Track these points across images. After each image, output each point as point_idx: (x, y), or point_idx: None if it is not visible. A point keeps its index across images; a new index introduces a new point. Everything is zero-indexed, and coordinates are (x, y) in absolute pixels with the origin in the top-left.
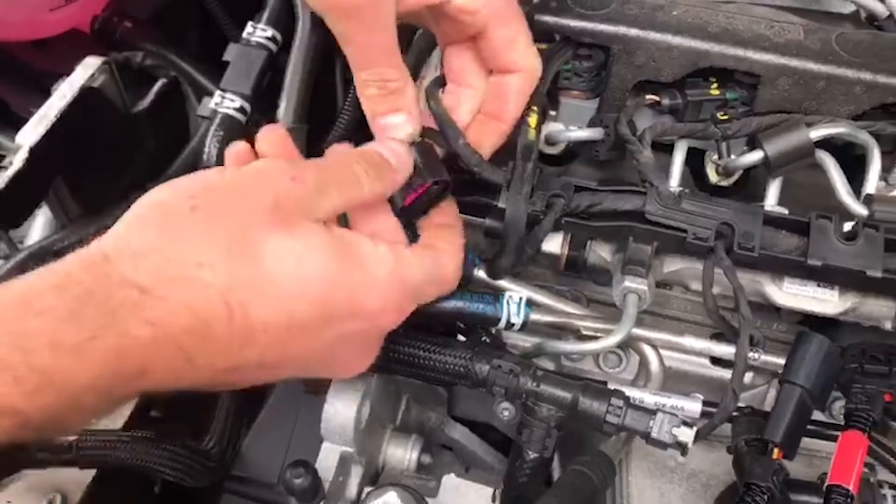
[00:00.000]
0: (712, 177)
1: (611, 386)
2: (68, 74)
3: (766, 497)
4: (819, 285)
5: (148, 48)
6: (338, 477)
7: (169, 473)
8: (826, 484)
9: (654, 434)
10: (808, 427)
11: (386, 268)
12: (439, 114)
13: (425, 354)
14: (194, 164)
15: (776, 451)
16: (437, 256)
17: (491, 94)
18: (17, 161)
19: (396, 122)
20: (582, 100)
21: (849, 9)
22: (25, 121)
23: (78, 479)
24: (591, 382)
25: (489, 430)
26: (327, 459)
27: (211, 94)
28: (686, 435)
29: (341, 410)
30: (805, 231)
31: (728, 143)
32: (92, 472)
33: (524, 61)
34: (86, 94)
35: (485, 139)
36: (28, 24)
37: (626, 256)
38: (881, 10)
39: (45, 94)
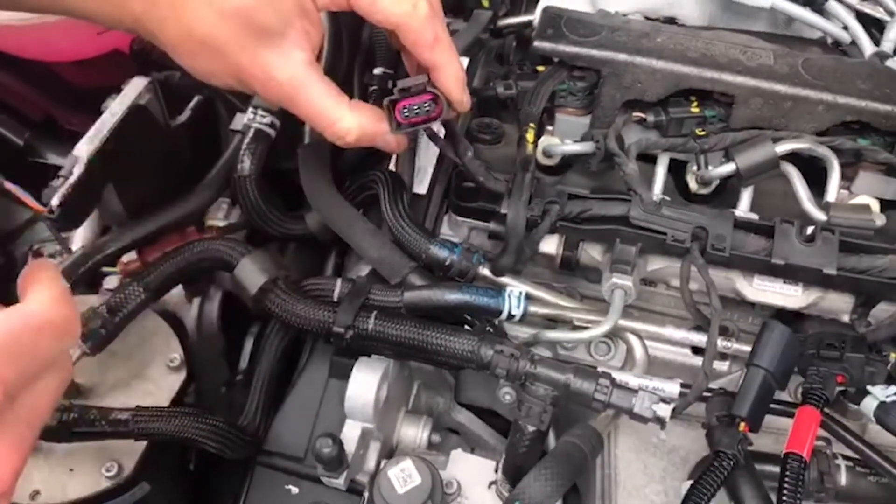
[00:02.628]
0: (692, 186)
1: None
2: (108, 90)
3: (731, 462)
4: (785, 282)
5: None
6: (359, 450)
7: (211, 446)
8: (783, 452)
9: (636, 410)
10: (773, 405)
11: None
12: (450, 127)
13: (438, 340)
14: (228, 174)
15: (742, 424)
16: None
17: (411, 57)
18: (76, 171)
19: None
20: (576, 116)
21: (818, 35)
22: (69, 132)
23: (131, 450)
24: (582, 366)
25: (492, 416)
26: (350, 435)
27: (240, 111)
28: (664, 411)
29: (363, 391)
30: (770, 234)
31: (706, 156)
32: (143, 444)
33: (397, 16)
34: (133, 111)
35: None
36: (76, 46)
37: (614, 256)
38: (845, 37)
39: (87, 108)
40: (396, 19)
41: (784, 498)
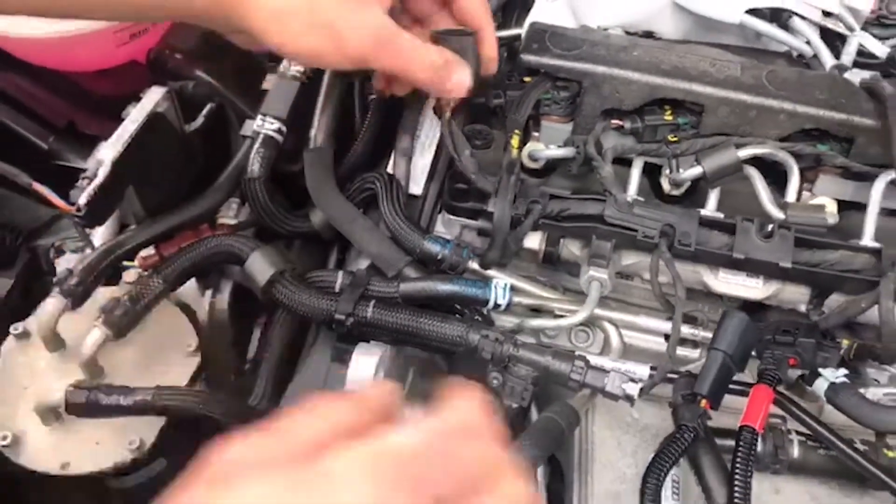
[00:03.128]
0: (666, 188)
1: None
2: (125, 98)
3: (692, 434)
4: (747, 275)
5: (197, 78)
6: None
7: (224, 422)
8: (739, 425)
9: (607, 388)
10: (733, 386)
11: None
12: (449, 127)
13: (430, 326)
14: (238, 176)
15: (703, 401)
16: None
17: (464, 16)
18: (101, 173)
19: (461, 78)
20: (560, 123)
21: (784, 48)
22: (89, 137)
23: (151, 427)
24: (560, 350)
25: None
26: None
27: (249, 118)
28: (633, 389)
29: (362, 372)
30: (733, 231)
31: (677, 160)
32: (162, 421)
33: None
34: (152, 118)
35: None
36: (98, 57)
37: (591, 251)
38: (808, 50)
39: (106, 114)
40: None
41: (738, 465)
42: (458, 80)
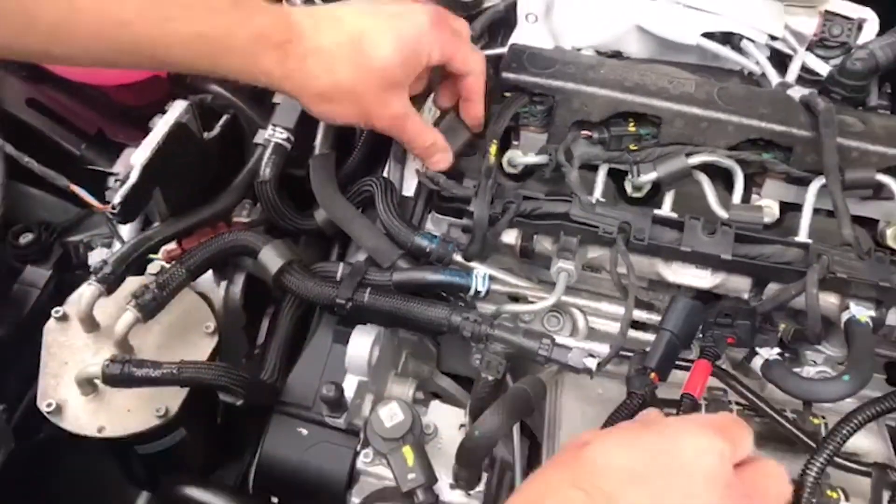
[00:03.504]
0: (629, 190)
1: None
2: (148, 109)
3: (640, 401)
4: (697, 267)
5: (214, 91)
6: (356, 399)
7: (240, 393)
8: (680, 393)
9: (569, 362)
10: (680, 363)
11: None
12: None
13: (419, 310)
14: (251, 180)
15: (652, 374)
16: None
17: (463, 91)
18: (133, 176)
19: (440, 159)
20: (536, 133)
21: (738, 67)
22: (116, 144)
23: (175, 397)
24: (531, 329)
25: (468, 382)
26: (349, 385)
27: (261, 128)
28: (591, 363)
29: (359, 350)
30: (681, 228)
31: (638, 167)
32: (185, 393)
33: (475, 65)
34: (176, 128)
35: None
36: (123, 72)
37: (559, 246)
38: (756, 69)
39: (132, 123)
40: (474, 68)
41: None
42: (437, 160)
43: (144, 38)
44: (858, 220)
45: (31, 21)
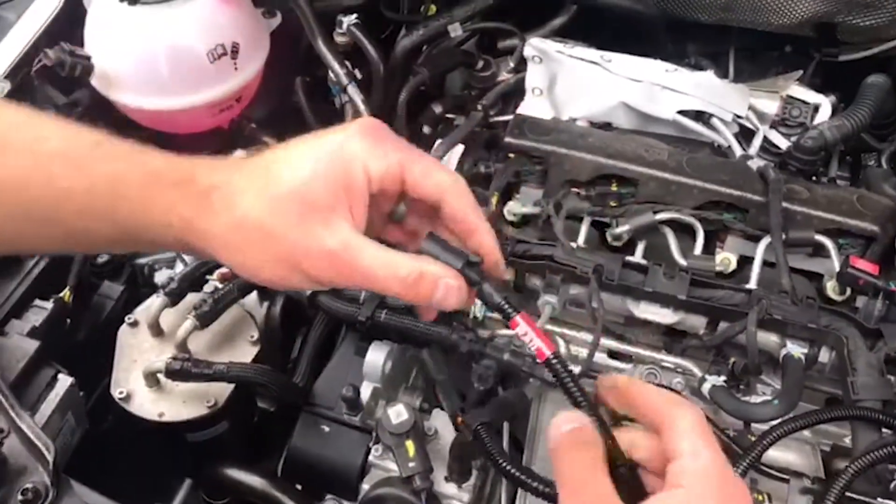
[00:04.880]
0: (609, 240)
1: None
2: (210, 155)
3: None
4: (661, 306)
5: (266, 143)
6: (370, 401)
7: (276, 392)
8: None
9: (547, 378)
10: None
11: None
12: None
13: (425, 329)
14: None
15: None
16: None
17: (456, 224)
18: None
19: (443, 292)
20: (534, 189)
21: (709, 140)
22: None
23: (223, 392)
24: (517, 350)
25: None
26: (365, 391)
27: None
28: None
29: (375, 360)
30: (646, 271)
31: (616, 220)
32: (231, 388)
33: (444, 180)
34: None
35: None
36: (192, 124)
37: (545, 282)
38: (724, 142)
39: None
40: (447, 185)
41: None
42: (440, 295)
43: (41, 202)
44: (807, 274)
45: None
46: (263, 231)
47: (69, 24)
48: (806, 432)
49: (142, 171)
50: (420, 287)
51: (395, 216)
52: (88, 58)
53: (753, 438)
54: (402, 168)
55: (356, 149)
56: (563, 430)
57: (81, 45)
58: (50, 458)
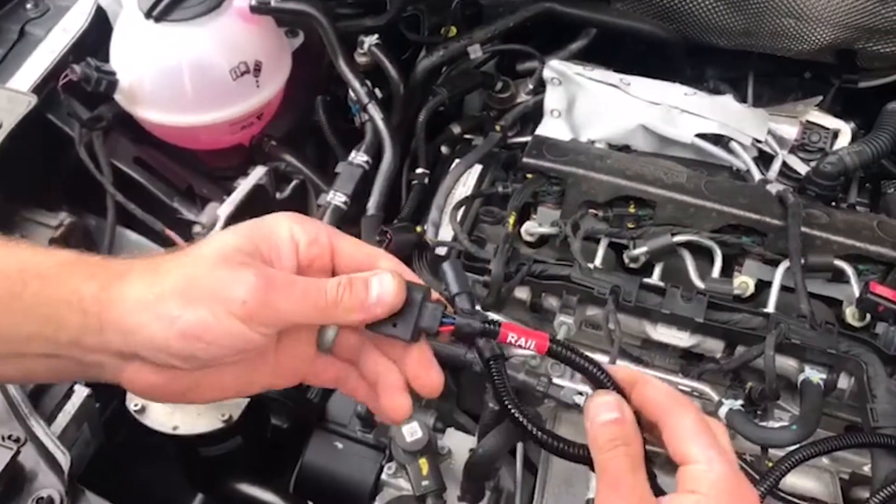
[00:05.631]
0: (627, 262)
1: (554, 381)
2: (230, 171)
3: None
4: (678, 329)
5: (286, 160)
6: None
7: (293, 407)
8: None
9: (562, 398)
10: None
11: None
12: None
13: (440, 346)
14: None
15: None
16: None
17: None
18: (219, 224)
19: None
20: (551, 209)
21: (728, 163)
22: (202, 198)
23: (237, 406)
24: (532, 370)
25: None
26: None
27: (323, 192)
28: (580, 399)
29: None
30: (663, 293)
31: (634, 242)
32: (245, 403)
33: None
34: (256, 188)
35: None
36: (214, 140)
37: (562, 303)
38: (742, 166)
39: (215, 182)
40: (380, 252)
41: None
42: (380, 289)
43: None
44: (826, 300)
45: None
46: (182, 292)
47: (96, 40)
48: (824, 459)
49: (54, 259)
50: (355, 289)
51: (322, 345)
52: (113, 73)
53: (770, 464)
54: (331, 239)
55: (281, 217)
56: (600, 419)
57: (107, 60)
58: (65, 467)
